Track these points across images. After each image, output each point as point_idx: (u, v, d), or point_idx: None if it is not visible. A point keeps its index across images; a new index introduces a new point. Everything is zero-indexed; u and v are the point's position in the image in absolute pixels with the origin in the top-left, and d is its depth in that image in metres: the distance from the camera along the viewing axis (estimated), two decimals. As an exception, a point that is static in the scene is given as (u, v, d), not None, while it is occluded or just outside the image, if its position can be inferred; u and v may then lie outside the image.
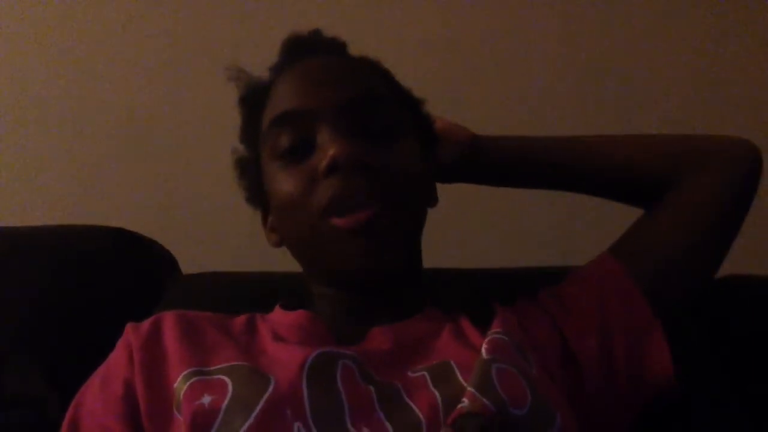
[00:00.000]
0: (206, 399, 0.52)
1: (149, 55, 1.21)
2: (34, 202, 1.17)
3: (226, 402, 0.52)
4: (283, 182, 0.62)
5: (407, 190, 0.62)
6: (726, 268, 0.79)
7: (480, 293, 0.71)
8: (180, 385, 0.55)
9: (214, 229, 1.13)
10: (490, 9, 1.21)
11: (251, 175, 0.69)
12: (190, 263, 0.95)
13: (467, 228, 1.10)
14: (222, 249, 1.10)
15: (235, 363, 0.56)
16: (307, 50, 0.68)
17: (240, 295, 0.84)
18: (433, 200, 0.71)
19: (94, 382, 0.60)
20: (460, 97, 1.13)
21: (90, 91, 1.21)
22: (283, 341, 0.60)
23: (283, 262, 0.85)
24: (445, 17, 1.21)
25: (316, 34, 0.70)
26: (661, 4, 1.20)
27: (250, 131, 0.69)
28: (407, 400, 0.53)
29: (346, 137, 0.59)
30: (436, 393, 0.53)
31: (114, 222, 0.92)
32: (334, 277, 0.63)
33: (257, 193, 0.69)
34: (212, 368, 0.56)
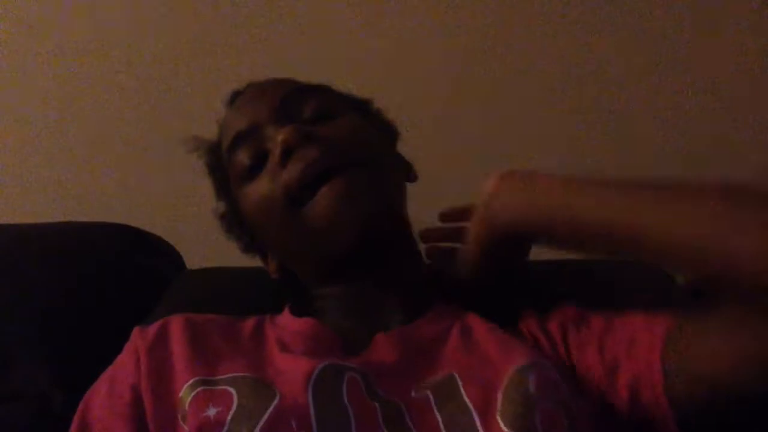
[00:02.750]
0: (211, 411, 0.52)
1: (154, 54, 1.21)
2: (39, 199, 1.17)
3: (231, 413, 0.52)
4: (253, 192, 0.65)
5: (359, 151, 0.63)
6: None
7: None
8: (185, 395, 0.55)
9: (218, 224, 1.13)
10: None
11: (236, 224, 0.72)
12: (194, 258, 0.95)
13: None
14: (226, 244, 1.10)
15: (241, 374, 0.56)
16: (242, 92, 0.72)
17: (244, 290, 0.84)
18: (408, 175, 0.72)
19: (102, 386, 0.60)
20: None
21: (95, 88, 1.21)
22: (289, 351, 0.60)
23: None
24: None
25: (250, 84, 0.73)
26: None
27: (221, 184, 0.72)
28: (409, 424, 0.53)
29: (288, 124, 0.62)
30: (439, 418, 0.53)
31: (118, 218, 0.92)
32: (331, 262, 0.63)
33: (249, 240, 0.72)
34: (217, 378, 0.56)
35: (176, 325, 0.62)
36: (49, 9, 1.23)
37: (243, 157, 0.65)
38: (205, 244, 1.06)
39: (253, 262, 0.89)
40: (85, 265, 0.85)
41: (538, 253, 0.87)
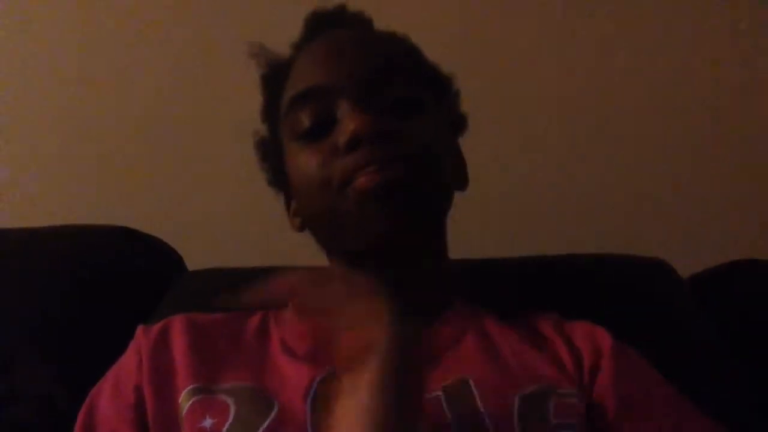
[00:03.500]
0: (208, 422, 0.52)
1: (155, 54, 1.20)
2: (38, 202, 1.17)
3: (227, 425, 0.51)
4: (304, 161, 0.60)
5: (428, 158, 0.59)
6: (738, 253, 0.79)
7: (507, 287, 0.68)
8: (183, 401, 0.54)
9: (219, 226, 1.13)
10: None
11: (273, 156, 0.68)
12: (194, 260, 0.95)
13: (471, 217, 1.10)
14: (226, 245, 1.10)
15: (240, 383, 0.55)
16: (329, 25, 0.66)
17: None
18: (462, 182, 0.68)
19: (106, 386, 0.60)
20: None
21: (95, 90, 1.20)
22: (291, 354, 0.58)
23: (290, 257, 0.85)
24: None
25: (339, 9, 0.68)
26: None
27: (271, 110, 0.67)
28: None
29: (365, 111, 0.57)
30: (450, 417, 0.52)
31: (119, 220, 0.92)
32: (355, 254, 0.60)
33: (279, 175, 0.67)
34: (217, 387, 0.55)
35: (178, 326, 0.61)
36: (49, 11, 1.22)
37: (304, 117, 0.60)
38: (206, 245, 1.06)
39: (255, 262, 0.89)
40: (83, 266, 0.85)
41: (539, 248, 0.88)
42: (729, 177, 1.10)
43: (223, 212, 1.13)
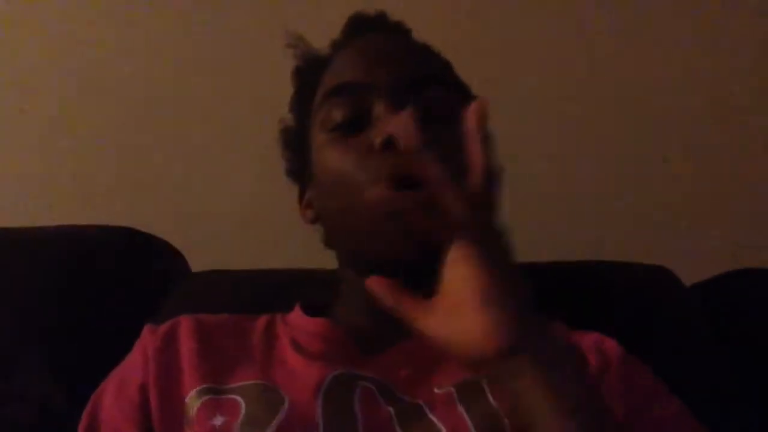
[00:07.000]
0: (218, 420, 0.52)
1: (156, 55, 1.21)
2: (41, 201, 1.17)
3: (238, 422, 0.51)
4: (334, 155, 0.59)
5: (456, 177, 0.57)
6: (742, 261, 0.79)
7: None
8: (192, 401, 0.54)
9: (223, 227, 1.13)
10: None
11: (296, 146, 0.68)
12: (198, 261, 0.95)
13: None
14: (230, 247, 1.10)
15: (250, 382, 0.55)
16: (370, 28, 0.67)
17: (248, 292, 0.84)
18: None
19: (111, 385, 0.59)
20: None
21: (98, 90, 1.21)
22: (302, 352, 0.59)
23: (294, 259, 0.85)
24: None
25: (381, 14, 0.69)
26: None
27: (302, 101, 0.67)
28: (431, 416, 0.52)
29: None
30: (463, 410, 0.52)
31: (122, 221, 0.92)
32: (369, 259, 0.58)
33: (300, 165, 0.68)
34: (226, 387, 0.55)
35: (185, 326, 0.61)
36: (49, 10, 1.23)
37: (338, 111, 0.60)
38: (210, 247, 1.06)
39: (258, 264, 0.89)
40: (86, 266, 0.85)
41: (541, 255, 0.88)
42: (734, 184, 1.10)
43: (227, 213, 1.13)
